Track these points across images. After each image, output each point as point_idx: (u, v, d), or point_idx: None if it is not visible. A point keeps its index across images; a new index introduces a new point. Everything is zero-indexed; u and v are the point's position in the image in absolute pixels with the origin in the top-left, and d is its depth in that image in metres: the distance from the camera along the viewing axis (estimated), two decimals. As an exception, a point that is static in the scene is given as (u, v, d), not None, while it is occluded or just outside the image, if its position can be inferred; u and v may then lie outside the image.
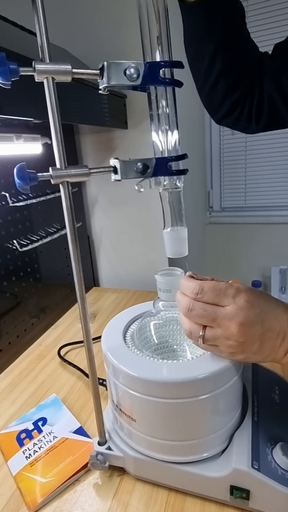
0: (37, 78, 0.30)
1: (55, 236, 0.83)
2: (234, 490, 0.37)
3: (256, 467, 0.37)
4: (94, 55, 0.86)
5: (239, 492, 0.37)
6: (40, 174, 0.32)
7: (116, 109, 0.85)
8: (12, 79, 0.29)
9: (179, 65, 0.33)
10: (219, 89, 0.49)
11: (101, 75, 0.32)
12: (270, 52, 0.50)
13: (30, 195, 0.77)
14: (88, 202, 1.05)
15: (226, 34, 0.44)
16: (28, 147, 0.64)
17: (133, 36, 0.82)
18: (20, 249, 0.73)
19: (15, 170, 0.31)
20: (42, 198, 0.78)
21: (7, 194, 0.68)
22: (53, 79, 0.31)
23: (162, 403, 0.37)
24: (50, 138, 0.72)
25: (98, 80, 0.33)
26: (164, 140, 0.38)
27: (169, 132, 0.37)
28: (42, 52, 0.30)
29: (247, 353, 0.34)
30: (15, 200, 0.70)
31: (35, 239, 0.79)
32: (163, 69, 0.33)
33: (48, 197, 0.80)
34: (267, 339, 0.33)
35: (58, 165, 0.33)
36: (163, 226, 0.40)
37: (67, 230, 0.35)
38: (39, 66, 0.29)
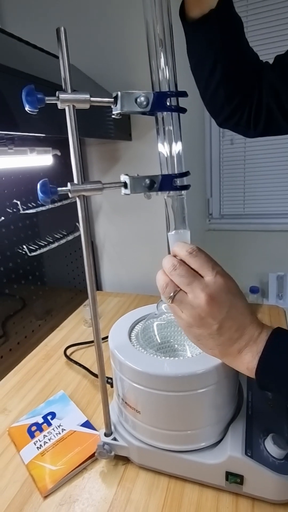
0: (60, 106, 0.34)
1: (62, 241, 0.87)
2: (229, 475, 0.41)
3: (249, 454, 0.40)
4: (103, 71, 0.90)
5: (234, 478, 0.41)
6: (60, 188, 0.36)
7: (121, 122, 0.90)
8: (39, 107, 0.33)
9: (184, 94, 0.38)
10: (218, 96, 0.53)
11: (115, 102, 0.36)
12: (271, 62, 0.53)
13: (39, 202, 0.81)
14: (93, 209, 1.09)
15: (225, 47, 0.48)
16: (40, 159, 0.68)
17: (142, 49, 0.87)
18: (29, 254, 0.77)
19: (38, 185, 0.35)
20: (50, 206, 0.82)
21: (18, 202, 0.72)
22: (73, 106, 0.35)
23: (164, 395, 0.41)
24: (60, 150, 0.76)
25: (112, 107, 0.37)
26: (169, 154, 0.42)
27: (173, 147, 0.41)
28: (65, 84, 0.34)
29: (203, 330, 0.35)
30: (25, 207, 0.75)
31: (43, 244, 0.83)
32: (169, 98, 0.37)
33: (56, 205, 0.84)
34: (227, 327, 0.35)
35: (75, 181, 0.37)
36: (164, 232, 0.44)
37: (82, 238, 0.39)
38: (62, 96, 0.34)
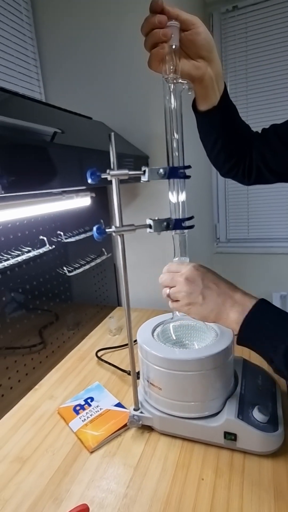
0: (109, 179, 0.54)
1: (92, 264, 1.06)
2: (227, 434, 0.57)
3: (240, 418, 0.56)
4: (126, 125, 1.12)
5: (230, 436, 0.56)
6: (108, 230, 0.55)
7: (141, 167, 1.10)
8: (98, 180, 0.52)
9: (188, 167, 0.56)
10: (220, 158, 0.71)
11: (144, 174, 0.55)
12: (259, 130, 0.70)
13: (74, 232, 1.00)
14: (114, 237, 1.28)
15: (223, 128, 0.66)
16: (81, 201, 0.88)
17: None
18: (68, 274, 0.95)
19: (94, 228, 0.54)
20: (83, 235, 1.01)
21: (61, 233, 0.92)
22: (117, 178, 0.54)
23: (179, 374, 0.57)
24: (94, 193, 0.98)
25: (141, 177, 0.56)
26: (177, 202, 0.60)
27: (180, 197, 0.59)
28: (113, 165, 0.53)
29: (196, 305, 0.51)
30: (66, 237, 0.94)
31: (77, 266, 1.01)
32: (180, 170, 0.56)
33: (88, 234, 1.03)
34: (208, 295, 0.50)
35: (117, 224, 0.56)
36: (173, 256, 0.61)
37: (121, 264, 0.57)
38: (112, 173, 0.53)
